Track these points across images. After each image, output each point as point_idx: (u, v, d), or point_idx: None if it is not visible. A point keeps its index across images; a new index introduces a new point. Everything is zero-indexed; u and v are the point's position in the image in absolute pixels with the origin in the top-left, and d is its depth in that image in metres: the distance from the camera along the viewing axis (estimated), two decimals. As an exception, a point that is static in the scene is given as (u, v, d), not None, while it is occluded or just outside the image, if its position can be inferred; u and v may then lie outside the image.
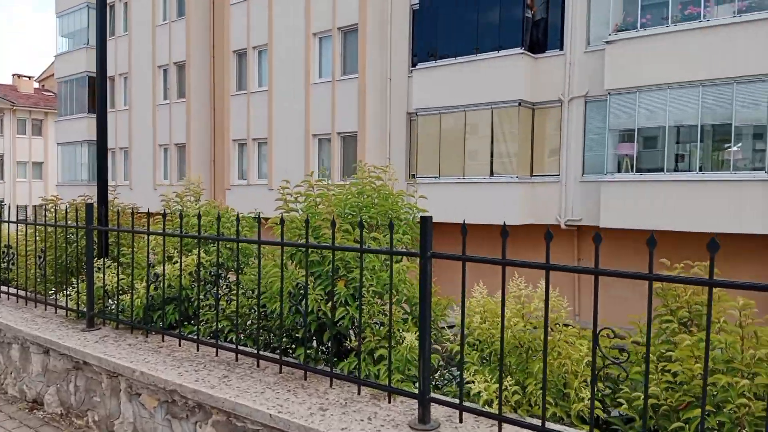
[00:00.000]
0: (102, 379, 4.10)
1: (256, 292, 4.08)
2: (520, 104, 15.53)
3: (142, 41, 26.26)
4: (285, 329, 4.02)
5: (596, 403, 2.65)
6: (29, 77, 49.38)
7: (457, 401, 2.70)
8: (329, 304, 3.58)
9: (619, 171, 14.08)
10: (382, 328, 3.48)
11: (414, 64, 17.95)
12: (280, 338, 3.72)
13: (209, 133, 24.21)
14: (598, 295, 2.36)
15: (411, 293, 3.58)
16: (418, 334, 3.00)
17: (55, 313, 5.23)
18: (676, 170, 13.44)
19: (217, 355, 3.89)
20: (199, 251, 4.09)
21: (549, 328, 2.92)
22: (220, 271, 4.43)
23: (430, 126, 17.22)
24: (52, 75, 50.25)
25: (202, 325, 4.43)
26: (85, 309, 4.88)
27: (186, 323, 4.66)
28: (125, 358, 3.95)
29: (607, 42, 14.27)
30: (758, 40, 12.18)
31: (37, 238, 5.72)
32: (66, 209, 5.23)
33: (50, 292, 5.67)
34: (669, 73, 13.24)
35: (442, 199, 16.45)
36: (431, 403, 2.75)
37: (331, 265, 3.69)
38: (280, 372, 3.55)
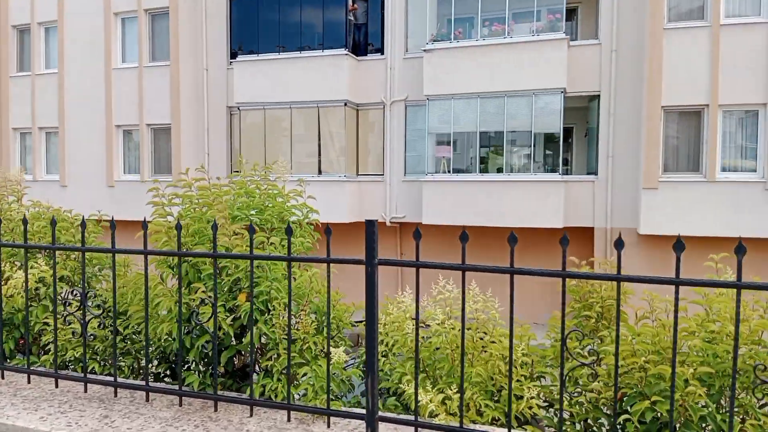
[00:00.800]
0: None
1: (114, 312, 3.50)
2: (345, 104, 15.78)
3: None
4: (164, 354, 3.54)
5: (535, 402, 2.77)
6: None
7: (410, 418, 2.61)
8: (228, 320, 3.21)
9: (437, 171, 15.10)
10: (297, 343, 3.22)
11: (234, 56, 17.17)
12: (179, 365, 3.21)
13: (-21, 119, 20.33)
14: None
15: (322, 303, 3.38)
16: (343, 349, 2.84)
17: None
18: (482, 171, 14.85)
19: (85, 390, 3.24)
20: (55, 264, 3.38)
21: (482, 332, 2.98)
22: (75, 289, 3.71)
23: (254, 121, 16.64)
24: None
25: (49, 355, 3.68)
26: None
27: (18, 354, 3.84)
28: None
29: (425, 50, 15.19)
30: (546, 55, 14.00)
31: None
32: None
33: None
34: (477, 83, 14.57)
35: (267, 197, 16.03)
36: (380, 423, 2.61)
37: (229, 278, 3.33)
38: (180, 405, 3.08)
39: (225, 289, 3.33)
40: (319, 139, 16.03)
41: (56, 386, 3.24)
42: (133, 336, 3.82)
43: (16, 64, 19.60)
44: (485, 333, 2.94)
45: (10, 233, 4.20)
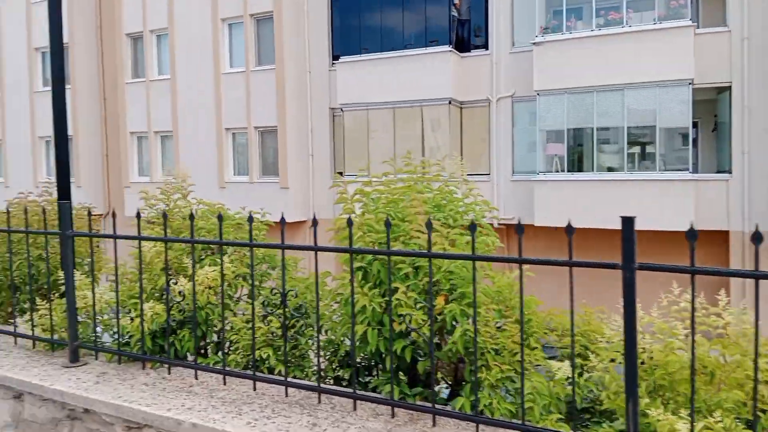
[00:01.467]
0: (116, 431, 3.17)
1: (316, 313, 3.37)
2: (449, 102, 15.48)
3: (14, 21, 23.03)
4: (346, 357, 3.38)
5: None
6: None
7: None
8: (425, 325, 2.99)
9: (549, 171, 14.46)
10: (503, 353, 2.94)
11: (336, 58, 17.31)
12: (393, 373, 3.01)
13: (100, 125, 21.79)
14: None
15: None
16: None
17: (15, 344, 4.08)
18: (601, 170, 14.05)
19: (286, 395, 3.12)
20: (222, 260, 3.30)
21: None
22: (275, 289, 3.64)
23: (356, 122, 16.69)
24: None
25: (236, 354, 3.63)
26: (58, 337, 3.85)
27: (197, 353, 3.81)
28: (153, 403, 3.07)
29: (534, 43, 14.60)
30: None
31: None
32: (26, 210, 4.09)
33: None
34: (592, 76, 13.79)
35: (370, 197, 16.02)
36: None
37: (427, 278, 3.11)
38: (393, 416, 2.87)
39: (419, 291, 3.11)
40: (423, 139, 15.82)
41: (254, 389, 3.15)
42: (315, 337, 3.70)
43: (131, 71, 20.80)
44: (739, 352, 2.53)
45: (181, 230, 4.22)
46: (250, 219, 3.30)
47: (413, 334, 2.97)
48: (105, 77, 21.61)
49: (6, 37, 23.32)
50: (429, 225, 2.69)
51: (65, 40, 21.68)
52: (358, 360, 3.50)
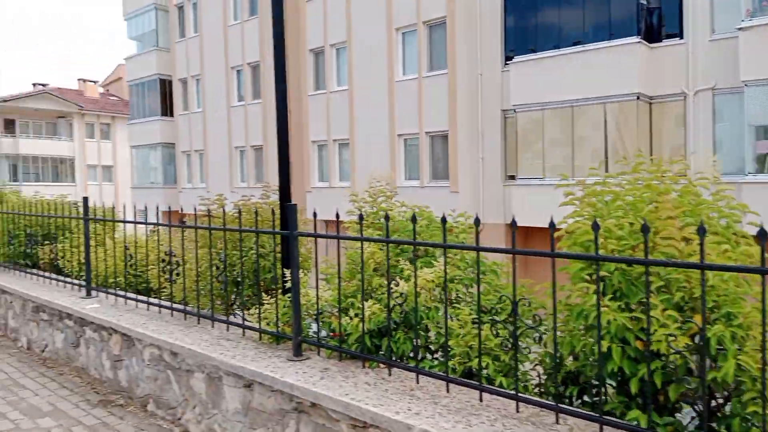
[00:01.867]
0: (341, 429, 3.22)
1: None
2: (638, 98, 14.23)
3: (213, 42, 25.99)
4: (574, 373, 3.08)
5: None
6: (94, 82, 50.48)
7: None
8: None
9: (760, 172, 12.62)
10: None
11: (509, 58, 16.86)
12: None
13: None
14: None
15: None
16: None
17: (243, 335, 4.41)
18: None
19: (517, 410, 2.93)
20: (445, 262, 3.19)
21: None
22: (506, 295, 3.50)
23: (531, 124, 16.09)
24: (118, 79, 51.32)
25: (454, 360, 3.52)
26: (280, 331, 4.07)
27: (410, 356, 3.77)
28: (380, 404, 3.06)
29: (740, 29, 12.85)
30: None
31: (197, 245, 4.96)
32: (255, 211, 4.41)
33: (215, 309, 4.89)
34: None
35: (546, 202, 15.32)
36: None
37: (681, 293, 2.71)
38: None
39: (672, 308, 2.73)
40: (606, 138, 14.75)
41: (480, 400, 3.02)
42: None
43: (313, 84, 22.27)
44: None
45: (394, 233, 4.25)
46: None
47: (675, 356, 2.59)
48: (291, 91, 23.40)
49: (207, 58, 26.38)
50: (702, 231, 2.31)
51: (257, 58, 23.98)
52: (585, 378, 3.20)
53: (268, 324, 4.24)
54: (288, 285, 4.22)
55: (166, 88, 29.02)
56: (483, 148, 17.66)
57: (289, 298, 4.12)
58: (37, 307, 6.30)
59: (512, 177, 16.92)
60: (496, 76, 17.32)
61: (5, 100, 41.37)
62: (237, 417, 3.89)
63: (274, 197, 5.50)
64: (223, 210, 4.58)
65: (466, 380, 3.19)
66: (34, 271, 7.47)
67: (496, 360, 3.41)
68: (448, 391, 3.20)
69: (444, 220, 3.19)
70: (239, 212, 4.35)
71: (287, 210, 3.96)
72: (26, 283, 7.04)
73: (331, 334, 4.00)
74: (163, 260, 5.13)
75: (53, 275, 6.94)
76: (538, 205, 14.85)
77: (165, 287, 5.69)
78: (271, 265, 4.84)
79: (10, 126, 42.34)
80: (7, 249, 8.01)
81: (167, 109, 29.08)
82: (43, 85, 47.61)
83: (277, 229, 4.28)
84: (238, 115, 25.10)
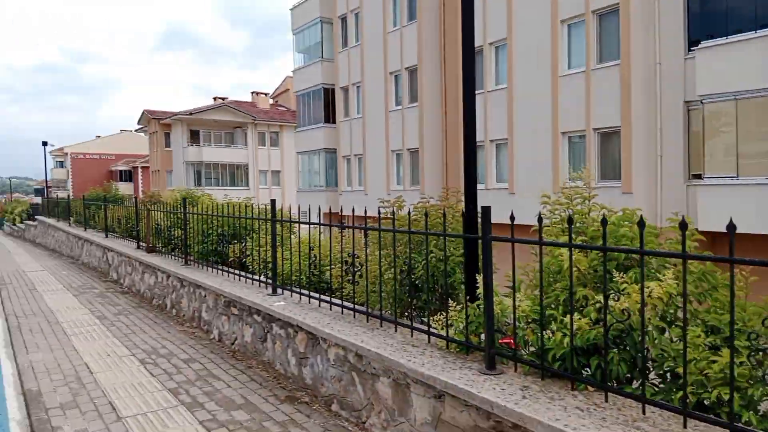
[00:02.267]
0: (552, 457, 2.86)
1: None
2: None
3: (373, 50, 26.77)
4: None
5: None
6: (265, 94, 54.96)
7: None
8: None
9: None
10: None
11: (693, 44, 15.06)
12: None
13: (442, 137, 23.64)
14: None
15: None
16: None
17: (428, 342, 4.23)
18: None
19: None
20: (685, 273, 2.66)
21: None
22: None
23: (721, 115, 14.21)
24: (286, 90, 55.36)
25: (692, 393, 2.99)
26: (470, 341, 3.81)
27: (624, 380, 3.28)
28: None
29: None
30: None
31: (380, 247, 4.89)
32: (444, 213, 4.20)
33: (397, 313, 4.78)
34: None
35: (739, 203, 13.45)
36: None
37: None
38: None
39: None
40: (821, 130, 12.52)
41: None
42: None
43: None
44: None
45: (597, 239, 3.79)
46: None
47: None
48: (447, 92, 23.34)
49: (367, 65, 27.25)
50: None
51: (414, 62, 24.24)
52: None
53: (455, 332, 4.02)
54: (475, 291, 3.96)
55: (329, 96, 30.54)
56: (661, 145, 15.98)
57: (478, 305, 3.85)
58: (229, 302, 6.74)
59: (697, 176, 15.09)
60: (677, 66, 15.58)
61: (191, 113, 46.58)
62: (425, 428, 3.70)
63: (433, 201, 5.29)
64: (409, 213, 4.43)
65: (710, 416, 2.66)
66: (223, 267, 8.05)
67: (737, 391, 2.82)
68: (685, 426, 2.69)
69: (684, 225, 2.67)
70: (426, 215, 4.16)
71: (484, 213, 3.68)
72: (217, 279, 7.59)
73: (528, 348, 3.65)
74: (345, 261, 5.13)
75: (241, 272, 7.40)
76: (731, 206, 13.04)
77: (344, 287, 5.74)
78: (451, 270, 4.62)
79: (195, 136, 47.58)
80: (200, 247, 8.76)
81: (330, 117, 30.59)
82: (223, 99, 52.92)
83: (461, 233, 4.04)
84: (395, 119, 25.59)
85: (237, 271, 7.53)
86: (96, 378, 5.61)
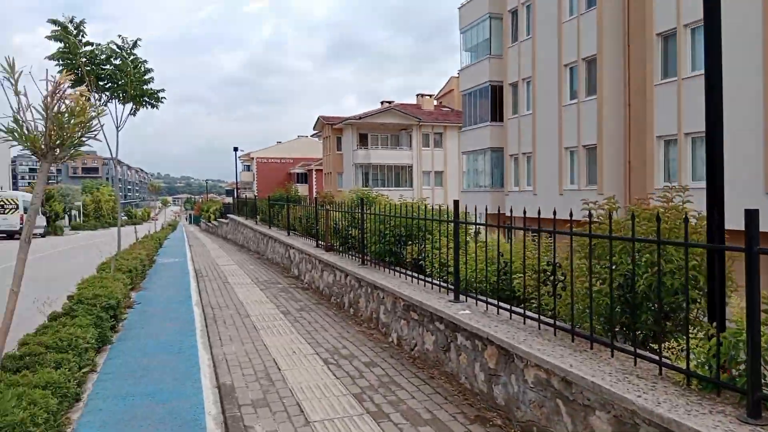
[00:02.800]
0: None
1: None
2: None
3: (546, 42, 25.39)
4: None
5: None
6: (430, 96, 55.44)
7: None
8: None
9: None
10: None
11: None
12: None
13: (623, 132, 21.61)
14: None
15: None
16: None
17: (659, 374, 3.49)
18: None
19: None
20: None
21: None
22: None
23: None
24: (450, 91, 55.39)
25: None
26: (721, 378, 3.01)
27: None
28: None
29: None
30: None
31: (590, 256, 4.21)
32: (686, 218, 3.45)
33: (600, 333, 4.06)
34: None
35: None
36: None
37: None
38: None
39: None
40: None
41: None
42: None
43: (660, 72, 19.67)
44: None
45: None
46: None
47: None
48: (630, 82, 21.28)
49: (539, 59, 25.93)
50: None
51: (593, 52, 22.49)
52: None
53: (696, 365, 3.23)
54: (720, 315, 3.15)
55: (496, 94, 29.69)
56: None
57: (734, 334, 3.04)
58: (408, 306, 6.48)
59: None
60: None
61: (360, 117, 48.57)
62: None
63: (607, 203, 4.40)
64: (632, 218, 3.70)
65: None
66: (399, 269, 7.86)
67: None
68: None
69: None
70: (658, 219, 3.42)
71: (746, 218, 2.88)
72: (395, 280, 7.40)
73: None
74: (544, 270, 4.54)
75: (419, 275, 7.13)
76: None
77: (531, 299, 5.15)
78: (680, 286, 3.81)
79: (363, 139, 49.53)
80: (376, 247, 8.69)
81: (497, 115, 29.73)
82: (389, 102, 54.45)
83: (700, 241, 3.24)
84: (569, 114, 23.99)
85: (415, 274, 7.27)
86: (284, 376, 5.67)
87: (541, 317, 4.63)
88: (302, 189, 55.36)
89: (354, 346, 6.84)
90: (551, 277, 4.44)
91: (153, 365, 6.17)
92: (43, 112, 3.78)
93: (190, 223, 74.33)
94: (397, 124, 49.16)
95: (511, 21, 28.53)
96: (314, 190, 60.67)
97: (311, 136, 67.27)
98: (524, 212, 4.82)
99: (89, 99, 3.95)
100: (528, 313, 4.79)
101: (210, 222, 42.35)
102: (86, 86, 3.80)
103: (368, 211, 9.03)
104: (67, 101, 3.81)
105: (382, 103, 55.26)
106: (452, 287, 6.08)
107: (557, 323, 4.41)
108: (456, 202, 6.11)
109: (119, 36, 11.18)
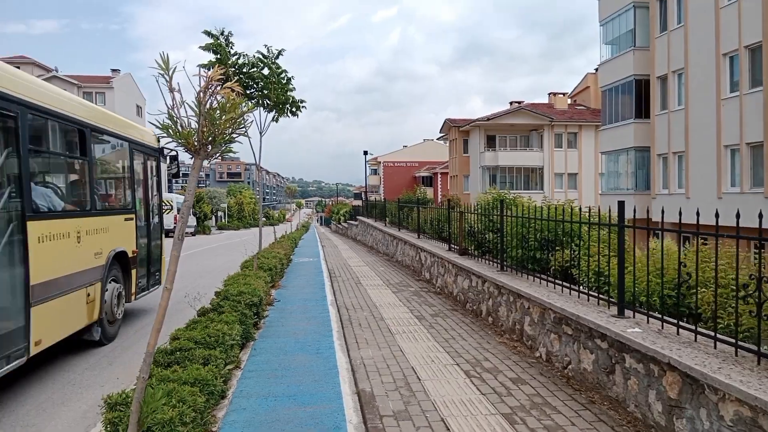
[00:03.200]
0: None
1: None
2: None
3: (701, 29, 22.90)
4: None
5: None
6: (563, 94, 52.84)
7: None
8: None
9: None
10: None
11: None
12: None
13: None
14: None
15: None
16: None
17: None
18: None
19: None
20: None
21: None
22: None
23: None
24: (585, 89, 52.47)
25: None
26: None
27: None
28: None
29: None
30: None
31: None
32: None
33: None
34: None
35: None
36: None
37: None
38: None
39: None
40: None
41: None
42: None
43: None
44: None
45: None
46: None
47: None
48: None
49: (692, 48, 23.47)
50: None
51: (758, 39, 19.89)
52: None
53: None
54: None
55: (641, 88, 27.35)
56: None
57: None
58: (560, 319, 5.85)
59: None
60: None
61: (489, 119, 47.42)
62: None
63: None
64: None
65: None
66: (544, 276, 7.22)
67: None
68: None
69: None
70: None
71: None
72: (541, 289, 6.79)
73: None
74: (745, 285, 3.75)
75: (571, 285, 6.45)
76: None
77: (720, 318, 4.35)
78: None
79: (491, 141, 48.30)
80: (517, 252, 8.10)
81: (642, 111, 27.38)
82: (519, 102, 52.70)
83: None
84: (729, 108, 21.39)
85: (565, 284, 6.59)
86: (425, 386, 5.32)
87: (740, 342, 3.83)
88: (427, 192, 55.33)
89: (497, 358, 6.33)
90: (754, 293, 3.64)
91: (293, 365, 6.14)
92: (196, 108, 3.73)
93: (321, 224, 77.59)
94: (527, 124, 47.35)
95: (659, 9, 26.15)
96: (439, 193, 60.43)
97: (437, 139, 67.16)
98: (680, 213, 4.03)
99: (240, 94, 3.86)
100: (721, 336, 4.01)
101: (340, 224, 43.67)
102: (236, 82, 3.71)
103: (508, 214, 8.46)
104: (218, 96, 3.75)
105: (510, 103, 53.64)
106: (613, 300, 5.38)
107: (762, 350, 3.61)
108: (621, 204, 5.41)
109: (264, 46, 11.61)
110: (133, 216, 8.80)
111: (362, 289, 11.56)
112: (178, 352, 5.22)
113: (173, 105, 3.78)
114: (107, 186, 8.59)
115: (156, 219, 10.04)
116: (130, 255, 8.47)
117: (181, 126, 3.80)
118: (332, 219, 61.67)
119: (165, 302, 3.46)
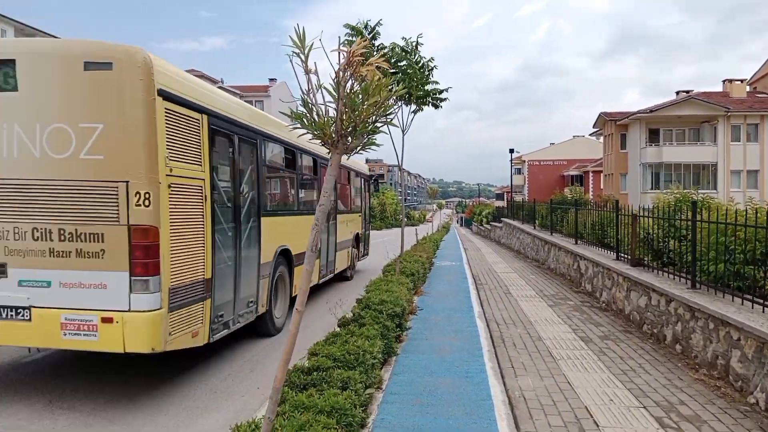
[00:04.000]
0: None
1: None
2: None
3: None
4: None
5: None
6: (741, 81, 46.51)
7: None
8: None
9: None
10: None
11: None
12: None
13: None
14: None
15: None
16: None
17: None
18: None
19: None
20: None
21: None
22: None
23: None
24: (766, 75, 45.76)
25: None
26: None
27: None
28: None
29: None
30: None
31: None
32: None
33: None
34: None
35: None
36: None
37: None
38: None
39: None
40: None
41: None
42: None
43: None
44: None
45: None
46: None
47: None
48: None
49: None
50: None
51: None
52: None
53: None
54: None
55: None
56: None
57: None
58: (795, 361, 4.42)
59: None
60: None
61: (651, 111, 42.99)
62: None
63: None
64: None
65: None
66: (759, 300, 5.68)
67: None
68: None
69: None
70: None
71: None
72: (754, 316, 5.31)
73: None
74: None
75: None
76: None
77: None
78: None
79: (653, 135, 43.76)
80: (715, 266, 6.57)
81: None
82: (687, 92, 47.26)
83: None
84: None
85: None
86: (606, 438, 4.25)
87: None
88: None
89: (695, 402, 5.02)
90: None
91: (439, 389, 5.36)
92: (334, 92, 3.04)
93: (461, 225, 76.42)
94: (697, 115, 42.19)
95: None
96: (590, 193, 56.40)
97: (590, 135, 62.85)
98: None
99: (385, 74, 3.12)
100: None
101: (482, 225, 42.34)
102: (381, 57, 2.96)
103: (703, 219, 6.92)
104: (361, 76, 3.05)
105: (677, 93, 48.28)
106: None
107: None
108: None
109: (402, 38, 11.07)
110: (361, 215, 15.26)
111: (512, 300, 10.48)
112: (315, 372, 4.69)
113: (309, 89, 3.16)
114: (353, 197, 14.36)
115: (368, 217, 16.59)
116: (360, 235, 15.00)
117: (317, 114, 3.16)
118: (473, 220, 60.31)
119: (295, 328, 2.85)
